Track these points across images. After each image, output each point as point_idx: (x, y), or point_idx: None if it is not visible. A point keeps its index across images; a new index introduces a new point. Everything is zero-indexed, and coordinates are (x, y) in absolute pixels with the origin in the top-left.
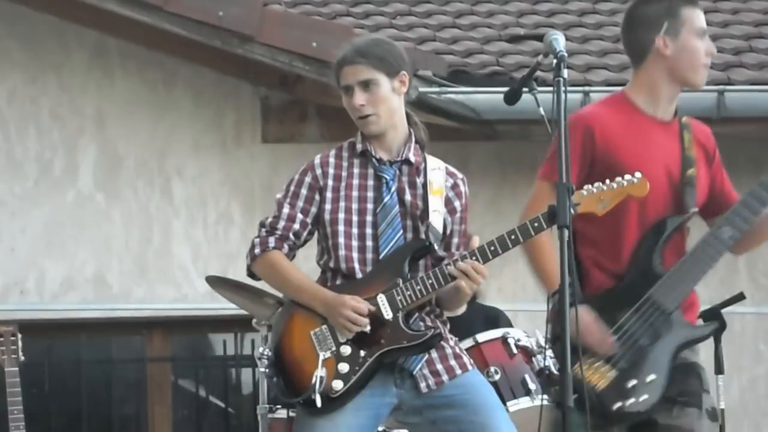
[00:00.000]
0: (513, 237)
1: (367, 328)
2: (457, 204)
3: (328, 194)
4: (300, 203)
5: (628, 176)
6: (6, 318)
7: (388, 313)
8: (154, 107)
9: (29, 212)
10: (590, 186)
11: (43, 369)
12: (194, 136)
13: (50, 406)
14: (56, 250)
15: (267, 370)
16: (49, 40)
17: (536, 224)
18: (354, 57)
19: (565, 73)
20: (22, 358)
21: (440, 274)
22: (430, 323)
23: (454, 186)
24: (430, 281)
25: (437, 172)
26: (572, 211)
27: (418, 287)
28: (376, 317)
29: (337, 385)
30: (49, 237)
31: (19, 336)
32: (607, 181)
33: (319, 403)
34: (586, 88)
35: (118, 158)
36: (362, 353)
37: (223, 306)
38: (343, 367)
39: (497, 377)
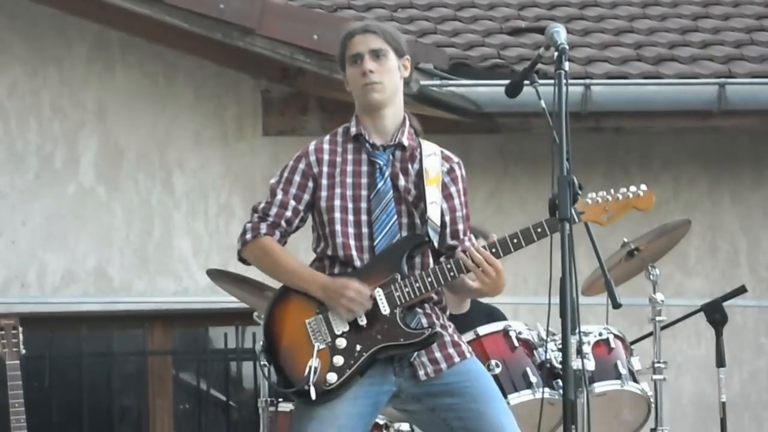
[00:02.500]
0: (515, 241)
1: (363, 322)
2: (452, 189)
3: (324, 181)
4: (293, 190)
5: (633, 189)
6: (7, 311)
7: (385, 309)
8: (155, 100)
9: (30, 205)
10: (595, 195)
11: (44, 362)
12: (195, 129)
13: (51, 399)
14: (57, 243)
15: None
16: (50, 32)
17: (539, 230)
18: (367, 27)
19: (567, 65)
20: (23, 351)
21: (440, 272)
22: (429, 311)
23: (450, 171)
24: (429, 279)
25: (433, 158)
26: (576, 219)
27: (417, 284)
28: (373, 311)
29: (331, 377)
30: (49, 230)
31: (20, 329)
32: (612, 191)
33: (313, 396)
34: (587, 81)
35: (118, 151)
36: (358, 347)
37: (224, 299)
38: (338, 360)
39: (498, 370)
